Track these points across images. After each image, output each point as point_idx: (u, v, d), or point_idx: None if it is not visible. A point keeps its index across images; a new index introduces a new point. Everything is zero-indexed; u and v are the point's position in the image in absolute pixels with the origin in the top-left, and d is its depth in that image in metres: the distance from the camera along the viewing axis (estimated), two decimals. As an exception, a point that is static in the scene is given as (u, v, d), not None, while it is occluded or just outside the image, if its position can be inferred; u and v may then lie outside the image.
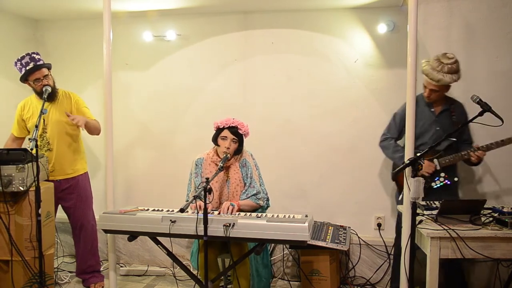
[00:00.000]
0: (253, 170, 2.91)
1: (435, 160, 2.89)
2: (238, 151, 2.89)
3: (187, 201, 2.91)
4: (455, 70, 2.80)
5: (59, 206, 3.33)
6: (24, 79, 3.12)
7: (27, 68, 3.06)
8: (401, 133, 3.09)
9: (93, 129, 3.24)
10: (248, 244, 2.74)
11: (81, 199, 3.32)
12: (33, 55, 3.09)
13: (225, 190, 2.86)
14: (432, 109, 2.98)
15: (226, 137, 2.83)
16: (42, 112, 2.80)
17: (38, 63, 3.08)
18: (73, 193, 3.29)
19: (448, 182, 2.91)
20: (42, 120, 3.12)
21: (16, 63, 3.09)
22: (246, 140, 2.96)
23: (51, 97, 3.13)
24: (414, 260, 2.39)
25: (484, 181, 3.26)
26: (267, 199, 2.99)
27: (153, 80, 3.86)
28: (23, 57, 3.07)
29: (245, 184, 2.87)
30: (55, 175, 3.22)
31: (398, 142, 3.13)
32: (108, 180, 2.92)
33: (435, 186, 2.91)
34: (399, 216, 3.07)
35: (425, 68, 2.84)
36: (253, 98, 3.68)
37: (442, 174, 2.90)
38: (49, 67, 3.18)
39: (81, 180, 3.33)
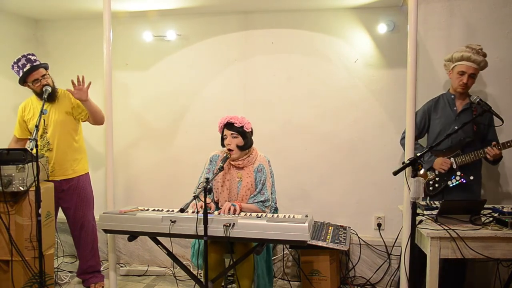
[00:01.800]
0: (268, 177, 2.87)
1: (452, 159, 2.88)
2: (245, 145, 2.83)
3: (194, 193, 2.90)
4: (486, 55, 2.86)
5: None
6: (23, 81, 3.12)
7: (24, 69, 3.06)
8: (422, 131, 3.08)
9: (98, 115, 3.18)
10: (253, 244, 2.73)
11: (81, 200, 3.31)
12: (28, 56, 3.09)
13: (235, 190, 2.85)
14: (455, 108, 2.94)
15: (226, 135, 2.83)
16: (42, 112, 2.80)
17: (34, 63, 3.08)
18: (74, 194, 3.28)
19: (464, 181, 2.87)
20: (42, 121, 3.13)
21: (13, 66, 3.10)
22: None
23: (51, 97, 3.13)
24: (414, 260, 2.39)
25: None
26: (275, 209, 2.97)
27: (153, 80, 3.86)
28: (19, 60, 3.07)
29: (256, 189, 2.86)
30: (55, 175, 3.21)
31: (419, 141, 3.12)
32: (108, 180, 2.92)
33: (451, 185, 2.90)
34: None
35: (463, 54, 2.83)
36: (253, 98, 3.68)
37: (458, 173, 2.87)
38: (46, 67, 3.17)
39: (82, 181, 3.32)
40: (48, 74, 3.17)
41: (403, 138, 3.16)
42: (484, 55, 2.86)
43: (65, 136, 3.23)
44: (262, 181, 2.83)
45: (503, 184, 3.26)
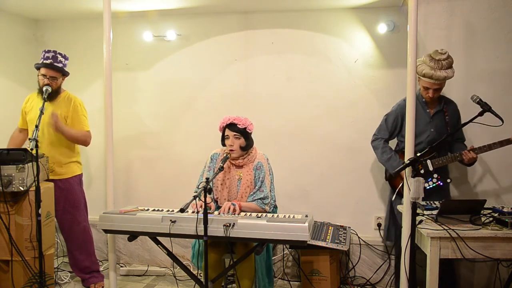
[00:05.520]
0: (266, 174, 2.87)
1: (428, 161, 2.89)
2: (247, 146, 2.84)
3: (196, 192, 2.90)
4: (452, 63, 2.83)
5: None
6: (37, 68, 3.14)
7: (44, 61, 3.08)
8: (392, 134, 3.11)
9: (70, 139, 3.20)
10: (254, 245, 2.72)
11: (69, 202, 3.27)
12: (57, 54, 3.11)
13: (235, 189, 2.85)
14: (428, 110, 2.98)
15: (228, 136, 2.82)
16: (42, 112, 2.80)
17: (55, 63, 3.09)
18: (61, 196, 3.22)
19: (441, 183, 2.92)
20: (31, 119, 3.17)
21: (42, 52, 3.14)
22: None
23: (49, 97, 3.12)
24: (414, 260, 2.39)
25: (482, 181, 3.27)
26: (275, 206, 2.97)
27: (153, 80, 3.86)
28: (49, 51, 3.10)
29: (255, 187, 2.86)
30: None
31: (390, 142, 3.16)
32: (108, 180, 2.92)
33: (428, 187, 2.93)
34: (396, 216, 3.08)
35: (426, 71, 2.81)
36: (253, 99, 3.68)
37: (435, 175, 2.91)
38: (63, 72, 3.16)
39: (70, 183, 3.28)
40: (61, 80, 3.18)
41: (374, 140, 3.16)
42: (449, 65, 2.81)
43: (55, 138, 3.19)
44: (261, 179, 2.84)
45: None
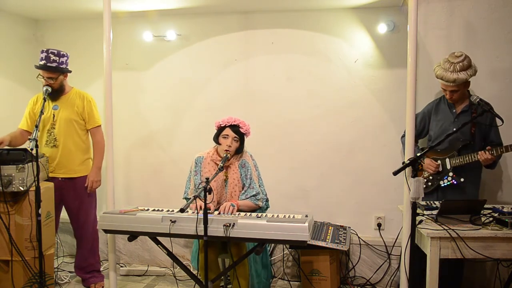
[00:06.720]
0: (253, 171, 2.91)
1: (447, 160, 2.89)
2: (239, 150, 2.89)
3: (185, 198, 2.92)
4: (467, 66, 2.79)
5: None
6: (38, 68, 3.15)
7: (39, 63, 3.08)
8: (421, 133, 3.11)
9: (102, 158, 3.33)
10: (246, 244, 2.74)
11: (84, 200, 3.30)
12: (49, 54, 3.08)
13: (223, 190, 2.86)
14: (454, 110, 2.96)
15: (227, 135, 2.83)
16: (41, 112, 2.82)
17: (48, 63, 3.07)
18: (77, 195, 3.27)
19: (455, 182, 2.89)
20: (52, 116, 3.17)
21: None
22: (247, 140, 2.96)
23: (52, 96, 3.13)
24: (414, 260, 2.39)
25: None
26: (267, 200, 2.99)
27: (153, 80, 3.86)
28: (42, 51, 3.09)
29: (243, 185, 2.87)
30: (59, 173, 3.21)
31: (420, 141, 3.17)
32: (108, 180, 2.92)
33: (443, 185, 2.92)
34: None
35: (438, 72, 2.82)
36: (253, 99, 3.68)
37: (451, 174, 2.89)
38: (61, 70, 3.14)
39: (85, 182, 3.30)
40: (61, 78, 3.16)
41: (402, 136, 3.19)
42: (462, 68, 2.77)
43: (72, 135, 3.22)
44: (249, 176, 2.87)
45: (504, 188, 3.24)
